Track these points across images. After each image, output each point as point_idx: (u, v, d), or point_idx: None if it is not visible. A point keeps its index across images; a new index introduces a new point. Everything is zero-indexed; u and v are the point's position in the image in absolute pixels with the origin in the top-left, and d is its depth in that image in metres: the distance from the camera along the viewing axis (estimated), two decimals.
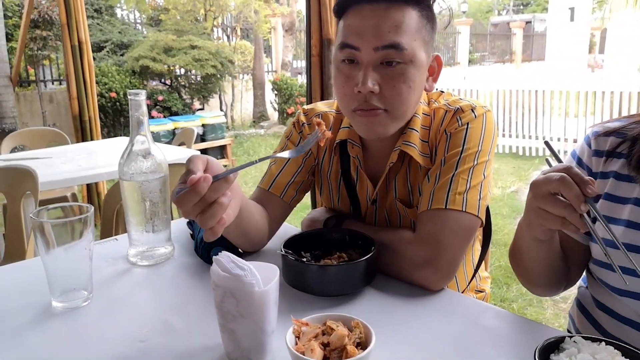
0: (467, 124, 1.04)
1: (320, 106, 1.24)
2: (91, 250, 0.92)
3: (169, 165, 1.17)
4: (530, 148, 7.19)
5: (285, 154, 0.87)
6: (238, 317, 0.73)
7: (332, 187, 1.21)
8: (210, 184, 0.74)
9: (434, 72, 1.08)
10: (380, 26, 0.96)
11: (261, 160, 0.83)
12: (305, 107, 1.26)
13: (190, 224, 1.28)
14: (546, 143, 0.87)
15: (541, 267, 0.94)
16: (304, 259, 0.98)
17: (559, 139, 6.94)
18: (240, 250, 1.12)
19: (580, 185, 0.72)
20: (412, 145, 1.06)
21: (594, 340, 0.66)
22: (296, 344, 0.71)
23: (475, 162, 1.02)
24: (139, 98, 1.03)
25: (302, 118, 1.22)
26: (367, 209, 1.17)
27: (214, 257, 0.75)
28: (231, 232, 1.02)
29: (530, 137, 7.17)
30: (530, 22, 23.21)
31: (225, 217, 0.78)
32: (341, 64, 1.02)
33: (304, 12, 2.78)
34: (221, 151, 6.95)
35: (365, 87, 0.96)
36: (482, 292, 1.28)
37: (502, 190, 5.51)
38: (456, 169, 1.01)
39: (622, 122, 0.95)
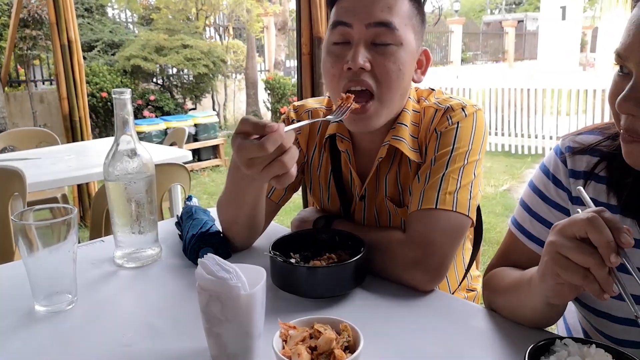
0: (458, 123, 1.03)
1: (311, 102, 1.23)
2: (75, 252, 0.90)
3: (157, 165, 1.15)
4: (522, 146, 7.21)
5: (329, 118, 0.97)
6: (224, 321, 0.71)
7: (322, 185, 1.20)
8: None
9: (422, 66, 1.08)
10: (373, 6, 0.97)
11: (312, 122, 0.97)
12: (296, 103, 1.25)
13: (178, 224, 1.26)
14: (579, 190, 0.72)
15: (541, 324, 0.83)
16: (293, 260, 0.97)
17: (551, 137, 6.97)
18: (229, 250, 1.11)
19: (613, 232, 0.60)
20: (402, 139, 1.05)
21: (584, 342, 0.65)
22: (283, 347, 0.70)
23: (466, 162, 1.01)
24: (124, 97, 1.01)
25: (292, 115, 1.21)
26: (355, 206, 1.15)
27: (199, 259, 0.74)
28: (245, 210, 1.04)
29: (522, 135, 7.19)
30: (522, 21, 23.31)
31: (293, 170, 0.82)
32: (332, 46, 1.01)
33: None
34: (214, 151, 6.92)
35: (355, 62, 0.96)
36: (473, 290, 1.27)
37: (495, 188, 5.52)
38: (446, 169, 1.00)
39: (595, 135, 0.87)
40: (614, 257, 0.60)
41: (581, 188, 0.72)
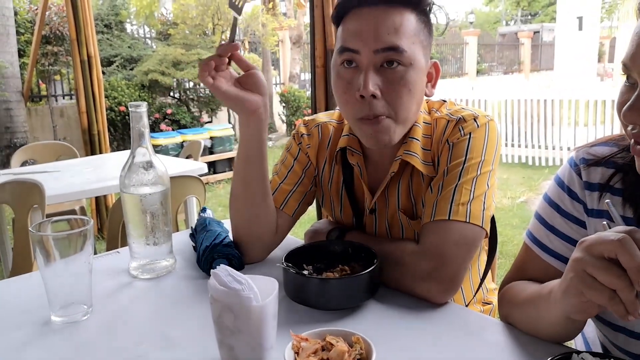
0: (470, 133, 1.03)
1: (321, 117, 1.24)
2: (91, 263, 0.91)
3: (172, 177, 1.16)
4: (540, 158, 7.13)
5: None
6: (236, 332, 0.71)
7: (332, 197, 1.20)
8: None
9: (432, 79, 1.07)
10: (379, 28, 0.96)
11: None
12: (306, 118, 1.25)
13: (192, 235, 1.27)
14: (607, 203, 0.70)
15: (560, 339, 0.81)
16: (305, 272, 0.97)
17: (568, 148, 6.88)
18: (243, 262, 1.12)
19: None
20: (414, 154, 1.05)
21: (602, 357, 0.64)
22: (295, 359, 0.69)
23: (479, 172, 1.00)
24: (140, 110, 1.03)
25: (302, 129, 1.21)
26: (366, 219, 1.15)
27: (211, 270, 0.74)
28: (253, 158, 1.08)
29: (540, 146, 7.11)
30: (538, 32, 23.17)
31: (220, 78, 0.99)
32: (341, 68, 1.01)
33: None
34: (229, 163, 6.97)
35: (367, 90, 0.96)
36: (489, 304, 1.26)
37: (512, 200, 5.46)
38: (459, 180, 0.99)
39: (610, 147, 0.86)
40: None
41: (609, 202, 0.70)
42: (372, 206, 1.13)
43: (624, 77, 0.73)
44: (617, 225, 0.66)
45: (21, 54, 6.74)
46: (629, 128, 0.71)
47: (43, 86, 7.57)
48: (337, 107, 1.16)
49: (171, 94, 8.27)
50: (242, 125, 1.05)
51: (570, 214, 0.87)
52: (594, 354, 0.65)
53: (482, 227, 0.98)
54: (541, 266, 0.90)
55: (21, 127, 6.12)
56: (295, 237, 1.33)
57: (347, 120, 1.08)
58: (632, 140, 0.72)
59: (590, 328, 0.99)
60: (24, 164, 3.46)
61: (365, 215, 1.15)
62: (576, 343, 1.04)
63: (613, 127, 6.55)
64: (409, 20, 0.98)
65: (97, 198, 4.02)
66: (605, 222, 0.68)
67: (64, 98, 7.92)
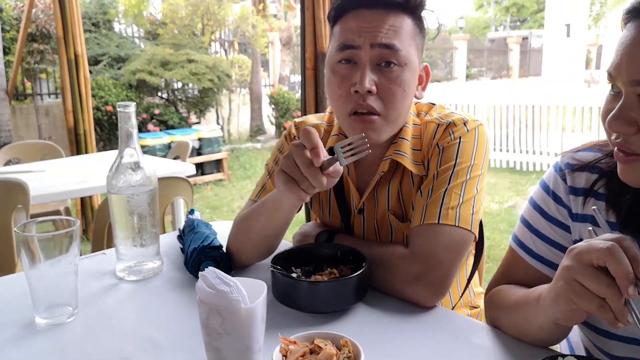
0: (460, 138, 1.04)
1: (311, 119, 1.24)
2: (76, 264, 0.90)
3: (160, 178, 1.15)
4: (527, 163, 7.19)
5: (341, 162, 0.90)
6: (223, 334, 0.71)
7: (322, 199, 1.20)
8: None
9: (422, 82, 1.09)
10: (379, 27, 0.98)
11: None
12: (296, 119, 1.25)
13: (180, 237, 1.26)
14: (594, 210, 0.71)
15: (547, 343, 0.82)
16: (294, 275, 0.97)
17: (555, 154, 6.95)
18: (231, 264, 1.11)
19: (632, 263, 0.60)
20: (404, 154, 1.06)
21: None
22: None
23: (468, 177, 1.01)
24: (129, 110, 1.02)
25: (294, 131, 1.22)
26: (354, 219, 1.15)
27: (200, 272, 0.74)
28: (278, 220, 1.02)
29: (527, 152, 7.18)
30: (527, 38, 23.42)
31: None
32: (337, 65, 1.02)
33: None
34: (217, 165, 6.94)
35: (363, 86, 0.97)
36: (476, 307, 1.26)
37: (500, 205, 5.50)
38: (449, 184, 1.00)
39: (594, 152, 0.87)
40: (632, 290, 0.59)
41: (596, 209, 0.71)
42: (360, 206, 1.13)
43: (610, 86, 0.74)
44: (603, 230, 0.67)
45: (6, 51, 6.65)
46: (613, 137, 0.72)
47: (28, 84, 7.47)
48: (328, 109, 1.16)
49: (159, 94, 8.22)
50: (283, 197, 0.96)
51: (555, 218, 0.88)
52: (578, 358, 0.65)
53: (471, 231, 0.98)
54: (526, 270, 0.91)
55: (5, 126, 6.04)
56: (284, 240, 1.32)
57: (338, 117, 1.08)
58: (616, 148, 0.73)
59: (575, 332, 1.00)
60: (7, 163, 3.41)
61: (354, 215, 1.15)
62: (560, 347, 1.05)
63: (599, 133, 6.64)
64: (406, 23, 1.01)
65: (82, 199, 3.98)
66: (591, 228, 0.69)
67: (49, 97, 7.82)
